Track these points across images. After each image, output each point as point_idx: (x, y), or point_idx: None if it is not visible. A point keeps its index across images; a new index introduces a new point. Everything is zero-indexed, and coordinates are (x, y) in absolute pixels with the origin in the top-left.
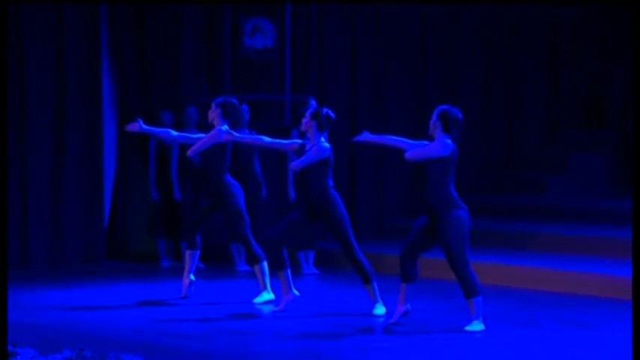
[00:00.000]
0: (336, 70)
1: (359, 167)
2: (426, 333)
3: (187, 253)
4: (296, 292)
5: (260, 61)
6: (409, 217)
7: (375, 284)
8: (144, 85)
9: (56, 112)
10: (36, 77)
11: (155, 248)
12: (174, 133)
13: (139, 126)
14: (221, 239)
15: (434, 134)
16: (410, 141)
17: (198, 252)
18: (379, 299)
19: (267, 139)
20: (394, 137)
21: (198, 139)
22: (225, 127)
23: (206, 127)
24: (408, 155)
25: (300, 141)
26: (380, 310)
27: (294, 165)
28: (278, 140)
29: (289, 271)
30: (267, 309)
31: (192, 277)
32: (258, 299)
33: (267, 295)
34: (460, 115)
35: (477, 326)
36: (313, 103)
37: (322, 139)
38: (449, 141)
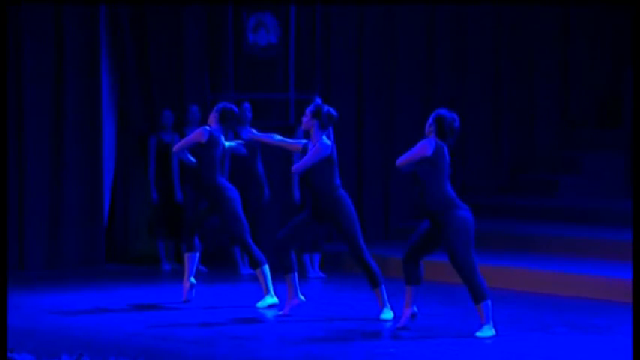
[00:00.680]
0: (342, 67)
1: (365, 168)
2: (434, 338)
3: (186, 255)
4: (302, 297)
5: (264, 57)
6: (416, 220)
7: (383, 288)
8: (145, 83)
9: (55, 113)
10: (34, 77)
11: (156, 250)
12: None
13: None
14: (224, 242)
15: (428, 137)
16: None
17: (198, 254)
18: (387, 303)
19: (277, 137)
20: (278, 137)
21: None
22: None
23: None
24: (397, 163)
25: (304, 141)
26: (387, 314)
27: (295, 168)
28: (286, 139)
29: (296, 275)
30: (270, 313)
31: (192, 279)
32: (262, 303)
33: (271, 299)
34: (457, 123)
35: (487, 331)
36: (318, 100)
37: (324, 137)
38: (433, 141)
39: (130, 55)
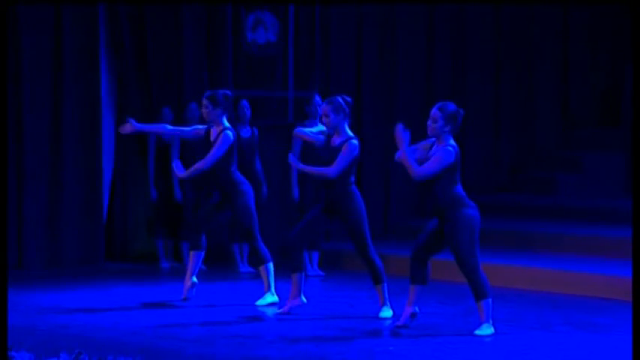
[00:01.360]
0: (341, 65)
1: (365, 166)
2: (433, 336)
3: (191, 254)
4: (304, 299)
5: (262, 55)
6: (416, 218)
7: (386, 286)
8: (144, 81)
9: (54, 111)
10: (33, 76)
11: (155, 249)
12: (170, 127)
13: (131, 126)
14: (223, 240)
15: (440, 136)
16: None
17: (203, 253)
18: (387, 302)
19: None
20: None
21: (194, 130)
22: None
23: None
24: (418, 176)
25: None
26: (386, 312)
27: (332, 173)
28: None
29: (303, 276)
30: (270, 311)
31: (194, 279)
32: (261, 301)
33: (271, 298)
34: (462, 111)
35: (486, 330)
36: (318, 99)
37: (350, 133)
38: (451, 144)
39: (128, 53)
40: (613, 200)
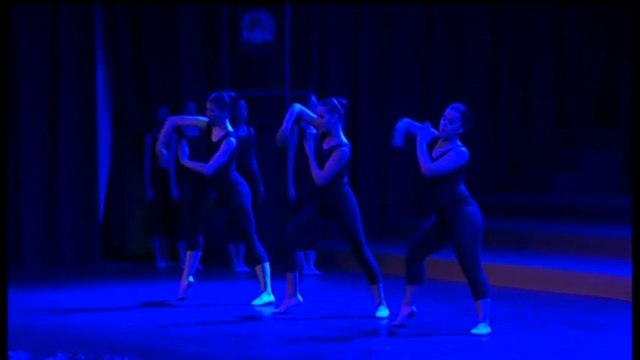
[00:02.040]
0: (338, 64)
1: (361, 166)
2: (430, 336)
3: (188, 253)
4: (300, 298)
5: (259, 55)
6: (412, 217)
7: (381, 285)
8: (141, 80)
9: (50, 111)
10: (30, 76)
11: (151, 248)
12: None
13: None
14: (218, 239)
15: (451, 136)
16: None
17: (200, 253)
18: (383, 301)
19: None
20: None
21: (195, 119)
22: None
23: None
24: (430, 171)
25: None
26: (383, 312)
27: (321, 179)
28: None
29: (297, 275)
30: (266, 311)
31: (191, 278)
32: (258, 301)
33: (267, 297)
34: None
35: (483, 329)
36: (314, 98)
37: (343, 137)
38: (463, 145)
39: (125, 53)
40: (611, 199)
